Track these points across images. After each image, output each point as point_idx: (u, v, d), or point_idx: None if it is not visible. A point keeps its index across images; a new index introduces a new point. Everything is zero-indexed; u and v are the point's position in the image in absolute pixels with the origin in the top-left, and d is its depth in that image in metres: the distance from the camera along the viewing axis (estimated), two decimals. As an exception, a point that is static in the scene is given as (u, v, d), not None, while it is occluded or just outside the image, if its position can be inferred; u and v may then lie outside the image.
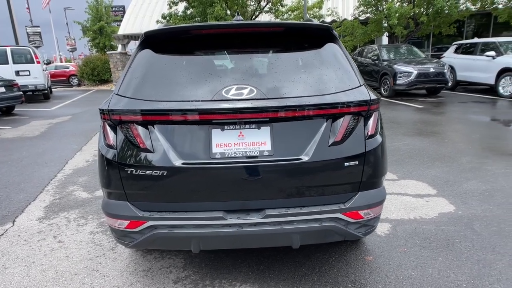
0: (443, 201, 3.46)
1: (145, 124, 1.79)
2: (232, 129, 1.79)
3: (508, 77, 9.72)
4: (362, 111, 1.85)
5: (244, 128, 1.79)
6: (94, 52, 27.05)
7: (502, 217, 3.08)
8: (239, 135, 1.79)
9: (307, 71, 1.90)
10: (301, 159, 1.79)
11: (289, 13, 13.62)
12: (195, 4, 12.50)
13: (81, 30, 27.51)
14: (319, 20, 14.91)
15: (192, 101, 1.75)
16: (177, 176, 1.78)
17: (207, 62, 2.01)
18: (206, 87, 1.82)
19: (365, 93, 1.86)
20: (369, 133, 1.89)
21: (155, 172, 1.77)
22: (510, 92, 9.68)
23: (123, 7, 34.43)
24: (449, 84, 10.91)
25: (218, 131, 1.78)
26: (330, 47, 2.02)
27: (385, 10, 11.80)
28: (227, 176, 1.79)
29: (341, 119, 1.84)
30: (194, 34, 2.00)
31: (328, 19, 14.42)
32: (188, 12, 13.31)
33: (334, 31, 2.06)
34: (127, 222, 1.88)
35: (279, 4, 13.53)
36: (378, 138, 1.94)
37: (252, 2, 14.01)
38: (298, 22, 2.12)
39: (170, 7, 13.72)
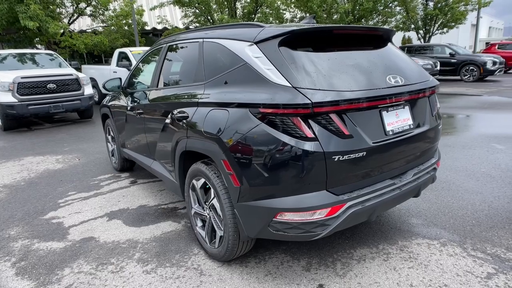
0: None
1: (341, 113, 1.94)
2: (392, 110, 2.18)
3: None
4: (436, 92, 2.61)
5: (398, 109, 2.22)
6: None
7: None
8: (396, 115, 2.20)
9: (405, 64, 2.48)
10: (426, 127, 2.39)
11: (119, 17, 12.68)
12: (-5, -1, 9.80)
13: None
14: (141, 27, 14.59)
15: (376, 89, 2.03)
16: (370, 155, 2.00)
17: (354, 56, 2.24)
18: (370, 77, 2.11)
19: (435, 80, 2.61)
20: (438, 106, 2.68)
21: (357, 155, 1.95)
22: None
23: None
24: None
25: (385, 113, 2.14)
26: (392, 47, 2.65)
27: (217, 21, 12.91)
28: (395, 148, 2.16)
29: (432, 97, 2.54)
30: (335, 33, 2.22)
31: (159, 27, 14.30)
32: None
33: None
34: (327, 210, 1.95)
35: (103, 8, 12.38)
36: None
37: (70, 3, 12.21)
38: (386, 28, 2.63)
39: None
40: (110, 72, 10.68)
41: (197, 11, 13.56)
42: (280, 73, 1.98)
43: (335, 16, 15.15)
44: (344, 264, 2.49)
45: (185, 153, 2.68)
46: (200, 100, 2.46)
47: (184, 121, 2.59)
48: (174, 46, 3.20)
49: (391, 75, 2.19)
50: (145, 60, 3.89)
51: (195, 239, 2.89)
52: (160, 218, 3.34)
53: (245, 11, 14.19)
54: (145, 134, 3.49)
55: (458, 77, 14.74)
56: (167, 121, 2.90)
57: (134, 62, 9.81)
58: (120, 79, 4.13)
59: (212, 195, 2.43)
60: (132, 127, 3.83)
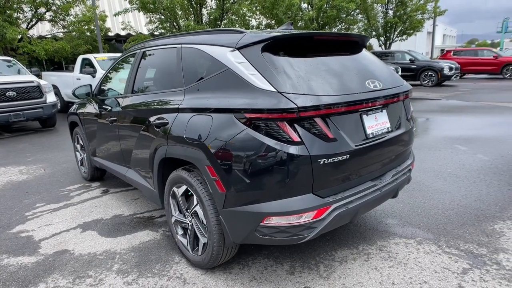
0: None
1: (325, 117, 1.98)
2: (371, 113, 2.25)
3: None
4: (409, 96, 2.72)
5: (376, 112, 2.29)
6: None
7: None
8: (375, 118, 2.27)
9: (380, 69, 2.58)
10: (403, 130, 2.49)
11: (81, 23, 12.18)
12: None
13: None
14: (104, 33, 14.17)
15: (357, 93, 2.09)
16: (353, 158, 2.05)
17: (334, 61, 2.28)
18: (351, 82, 2.17)
19: (408, 84, 2.73)
20: (412, 110, 2.80)
21: (341, 158, 1.99)
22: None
23: None
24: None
25: (365, 116, 2.20)
26: (366, 52, 2.76)
27: (183, 27, 12.78)
28: (375, 151, 2.23)
29: (407, 101, 2.66)
30: (316, 40, 2.26)
31: (123, 33, 13.86)
32: None
33: None
34: (314, 213, 1.97)
35: (64, 13, 11.86)
36: None
37: (28, 8, 11.58)
38: (362, 34, 2.71)
39: None
40: (73, 79, 10.28)
41: (162, 17, 13.38)
42: (265, 78, 2.00)
43: (300, 23, 15.51)
44: (327, 266, 2.52)
45: (164, 160, 2.63)
46: (181, 106, 2.42)
47: (164, 127, 2.54)
48: (149, 52, 3.14)
49: (370, 79, 2.27)
50: (118, 66, 3.78)
51: (175, 248, 2.83)
52: (136, 228, 3.24)
53: (211, 17, 14.18)
54: (119, 141, 3.38)
55: (418, 82, 15.50)
56: (144, 128, 2.83)
57: (99, 69, 9.51)
58: (91, 86, 3.99)
59: (195, 202, 2.39)
60: (105, 135, 3.70)
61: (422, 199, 3.57)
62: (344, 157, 2.02)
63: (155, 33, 14.32)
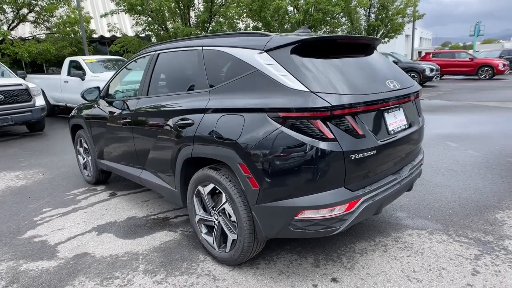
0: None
1: (354, 115, 2.10)
2: (391, 111, 2.39)
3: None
4: (420, 96, 2.88)
5: (395, 110, 2.43)
6: None
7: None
8: (394, 116, 2.41)
9: (394, 70, 2.73)
10: (417, 127, 2.64)
11: (66, 24, 11.91)
12: None
13: None
14: (89, 35, 13.96)
15: (381, 92, 2.23)
16: (379, 153, 2.18)
17: (355, 62, 2.41)
18: (374, 82, 2.31)
19: (418, 85, 2.89)
20: (422, 108, 2.96)
21: (369, 153, 2.11)
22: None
23: None
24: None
25: (386, 114, 2.34)
26: (379, 54, 2.91)
27: (171, 29, 12.74)
28: (396, 147, 2.37)
29: (417, 100, 2.82)
30: (339, 43, 2.38)
31: (108, 35, 13.64)
32: None
33: None
34: (346, 206, 2.08)
35: (48, 14, 11.58)
36: None
37: (10, 8, 11.23)
38: (375, 37, 2.85)
39: None
40: (60, 82, 10.08)
41: (150, 19, 13.30)
42: (296, 78, 2.10)
43: (287, 26, 15.74)
44: (349, 258, 2.64)
45: (188, 160, 2.68)
46: (208, 107, 2.48)
47: (189, 128, 2.59)
48: (165, 54, 3.18)
49: (389, 80, 2.41)
50: (128, 69, 3.80)
51: (197, 246, 2.88)
52: (154, 229, 3.27)
53: (199, 20, 14.20)
54: (133, 143, 3.40)
55: (400, 83, 15.96)
56: (165, 129, 2.87)
57: (88, 71, 9.37)
58: (99, 88, 3.98)
59: (224, 200, 2.45)
60: (115, 136, 3.70)
61: (426, 193, 3.75)
62: (372, 152, 2.14)
63: (142, 35, 14.22)
